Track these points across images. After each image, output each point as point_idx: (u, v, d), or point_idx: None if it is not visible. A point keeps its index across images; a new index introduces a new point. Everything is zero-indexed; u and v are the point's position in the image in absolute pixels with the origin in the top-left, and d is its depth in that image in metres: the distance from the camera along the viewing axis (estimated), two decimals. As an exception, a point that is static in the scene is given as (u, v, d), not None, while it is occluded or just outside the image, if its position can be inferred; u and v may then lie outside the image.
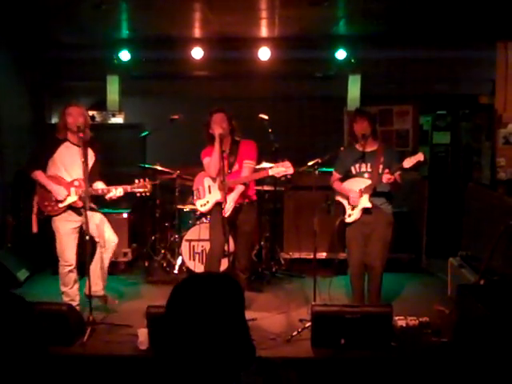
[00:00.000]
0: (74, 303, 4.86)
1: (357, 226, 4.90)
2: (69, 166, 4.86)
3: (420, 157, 4.53)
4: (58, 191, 4.79)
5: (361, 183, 4.84)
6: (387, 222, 4.89)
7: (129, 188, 4.82)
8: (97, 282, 4.98)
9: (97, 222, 4.98)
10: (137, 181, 4.84)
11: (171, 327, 1.56)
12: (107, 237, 5.02)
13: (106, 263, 5.07)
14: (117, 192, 4.82)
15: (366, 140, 4.85)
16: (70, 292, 4.95)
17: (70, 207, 4.86)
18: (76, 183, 4.83)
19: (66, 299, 4.90)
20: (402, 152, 4.76)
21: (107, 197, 4.87)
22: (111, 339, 4.51)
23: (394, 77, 7.88)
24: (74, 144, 4.84)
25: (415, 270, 6.60)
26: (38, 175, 4.83)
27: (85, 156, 4.73)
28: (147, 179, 4.94)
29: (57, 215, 4.86)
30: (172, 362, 1.55)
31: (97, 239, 5.00)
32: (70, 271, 4.92)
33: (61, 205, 4.82)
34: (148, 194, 4.90)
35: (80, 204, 4.81)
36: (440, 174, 8.90)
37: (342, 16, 6.52)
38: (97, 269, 5.00)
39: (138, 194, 4.87)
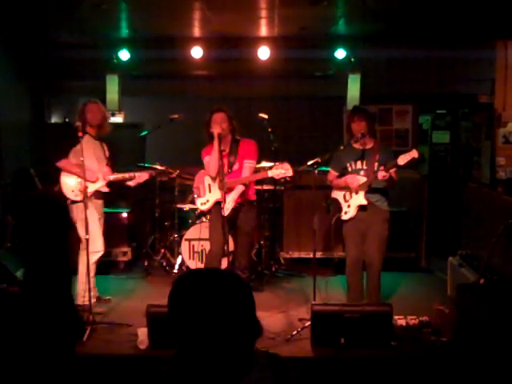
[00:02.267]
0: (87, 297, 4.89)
1: (353, 223, 4.91)
2: (91, 156, 5.08)
3: (414, 153, 4.55)
4: (89, 174, 4.97)
5: (357, 178, 4.86)
6: (383, 219, 4.90)
7: (153, 173, 5.43)
8: (93, 286, 5.15)
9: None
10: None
11: (178, 323, 1.56)
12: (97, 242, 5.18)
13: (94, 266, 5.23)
14: (143, 176, 5.26)
15: (364, 139, 4.87)
16: (92, 282, 5.06)
17: (95, 196, 5.14)
18: (104, 169, 5.15)
19: (83, 295, 4.99)
20: (401, 151, 4.76)
21: (132, 182, 5.23)
22: (111, 338, 4.50)
23: (394, 76, 7.89)
24: (93, 137, 5.17)
25: (415, 269, 6.61)
26: (65, 164, 5.07)
27: (103, 148, 5.22)
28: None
29: (82, 201, 4.94)
30: (184, 358, 1.55)
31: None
32: (97, 260, 5.16)
33: (90, 188, 4.99)
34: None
35: (106, 189, 5.16)
36: (439, 174, 8.91)
37: (341, 15, 6.53)
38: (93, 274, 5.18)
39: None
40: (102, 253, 5.19)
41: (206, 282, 1.59)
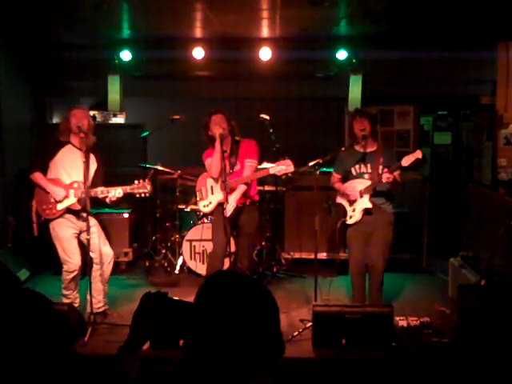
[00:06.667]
0: (75, 305, 4.85)
1: (358, 226, 4.92)
2: (70, 168, 4.83)
3: (418, 154, 4.55)
4: (56, 191, 4.74)
5: (361, 184, 4.85)
6: (388, 222, 4.90)
7: (128, 189, 4.77)
8: (99, 300, 4.95)
9: (94, 231, 4.85)
10: (136, 182, 4.79)
11: (202, 322, 1.56)
12: (104, 252, 4.94)
13: (106, 278, 5.01)
14: (116, 193, 4.76)
15: (366, 141, 4.87)
16: (72, 295, 4.92)
17: (69, 211, 4.82)
18: (75, 185, 4.79)
19: (66, 302, 4.85)
20: (402, 153, 4.76)
21: (107, 199, 4.81)
22: (112, 339, 4.50)
23: (395, 77, 7.88)
24: (77, 147, 4.83)
25: (416, 270, 6.60)
26: (37, 177, 4.81)
27: (86, 159, 4.70)
28: (147, 180, 4.87)
29: (55, 219, 4.80)
30: (199, 357, 1.55)
31: (92, 254, 4.88)
32: (74, 277, 4.88)
33: (59, 207, 4.78)
34: (148, 194, 4.85)
35: (78, 207, 4.79)
36: (441, 175, 8.90)
37: (343, 16, 6.52)
38: (98, 286, 4.93)
39: (138, 195, 4.82)
40: (76, 272, 4.83)
41: (236, 287, 1.59)
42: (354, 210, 4.90)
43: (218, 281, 1.64)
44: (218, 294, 1.58)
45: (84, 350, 4.28)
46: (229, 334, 1.51)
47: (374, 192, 4.82)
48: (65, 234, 4.82)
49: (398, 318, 4.59)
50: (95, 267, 4.92)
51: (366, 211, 4.85)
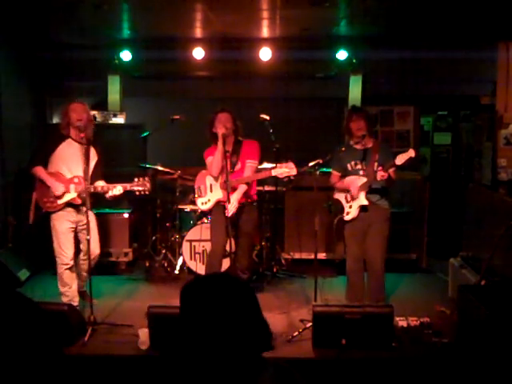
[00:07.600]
0: (74, 304, 4.85)
1: (355, 222, 4.95)
2: (70, 163, 4.87)
3: (411, 153, 4.57)
4: (57, 187, 4.79)
5: (357, 181, 4.87)
6: (384, 218, 4.94)
7: (128, 186, 4.79)
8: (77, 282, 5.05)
9: (91, 227, 4.83)
10: (136, 179, 4.81)
11: (188, 328, 1.58)
12: (91, 248, 4.88)
13: (88, 269, 5.00)
14: (115, 190, 4.79)
15: (364, 139, 4.90)
16: (69, 292, 4.94)
17: (69, 205, 4.87)
18: (76, 180, 4.84)
19: (65, 300, 4.88)
20: (401, 153, 4.77)
21: (107, 195, 4.84)
22: (112, 339, 4.51)
23: (395, 77, 7.88)
24: (77, 141, 4.86)
25: (416, 270, 6.60)
26: (38, 171, 4.86)
27: (86, 153, 4.74)
28: (147, 177, 4.87)
29: (55, 212, 4.86)
30: (187, 362, 1.56)
31: (81, 246, 4.96)
32: (68, 270, 4.92)
33: (59, 201, 4.83)
34: (147, 192, 4.85)
35: (79, 201, 4.84)
36: (441, 175, 8.91)
37: (343, 16, 6.52)
38: (79, 270, 5.06)
39: (138, 193, 4.82)
40: (69, 265, 4.90)
41: (214, 288, 1.62)
42: (350, 207, 4.94)
43: (192, 287, 1.66)
44: (195, 299, 1.61)
45: (84, 350, 4.28)
46: (213, 332, 1.54)
47: (370, 189, 4.85)
48: (62, 227, 4.88)
49: (397, 318, 4.58)
50: (81, 256, 5.02)
51: (362, 208, 4.87)
